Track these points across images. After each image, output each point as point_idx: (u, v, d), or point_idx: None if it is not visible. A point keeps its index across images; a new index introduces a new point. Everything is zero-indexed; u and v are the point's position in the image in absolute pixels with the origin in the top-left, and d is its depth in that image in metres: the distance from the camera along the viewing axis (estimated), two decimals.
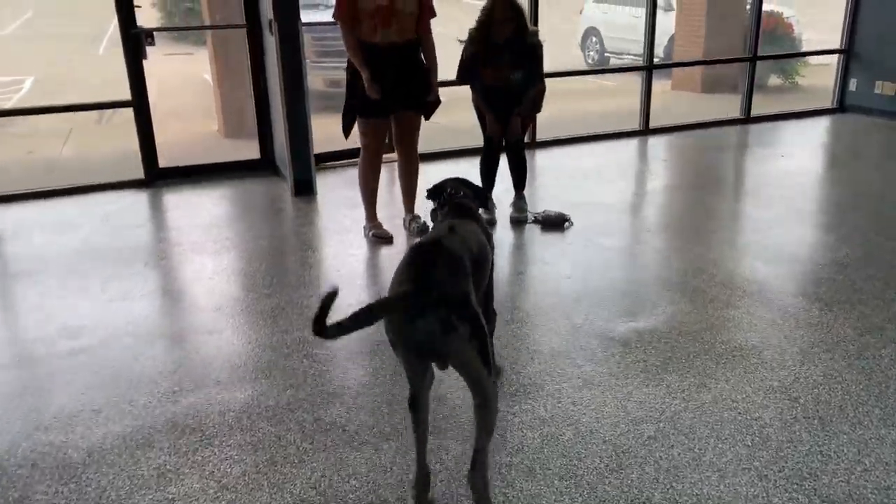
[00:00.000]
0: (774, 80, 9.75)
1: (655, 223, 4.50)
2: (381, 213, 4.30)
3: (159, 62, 5.98)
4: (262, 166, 5.70)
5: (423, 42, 3.98)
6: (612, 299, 3.37)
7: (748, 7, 9.59)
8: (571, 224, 4.36)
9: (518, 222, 4.45)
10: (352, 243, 4.17)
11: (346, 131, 4.09)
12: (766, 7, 9.93)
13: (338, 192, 5.12)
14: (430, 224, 2.61)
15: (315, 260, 3.98)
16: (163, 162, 5.40)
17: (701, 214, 4.58)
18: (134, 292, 3.56)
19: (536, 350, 2.92)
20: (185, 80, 9.78)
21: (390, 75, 3.85)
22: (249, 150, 5.75)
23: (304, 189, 5.09)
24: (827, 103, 7.84)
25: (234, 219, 4.68)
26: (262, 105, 5.57)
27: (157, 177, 5.36)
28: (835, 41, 7.64)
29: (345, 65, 4.00)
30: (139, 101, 5.19)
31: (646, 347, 2.92)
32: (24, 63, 11.27)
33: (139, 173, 5.32)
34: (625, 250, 4.00)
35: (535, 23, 5.74)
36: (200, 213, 4.77)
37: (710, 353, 2.87)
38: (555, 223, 4.35)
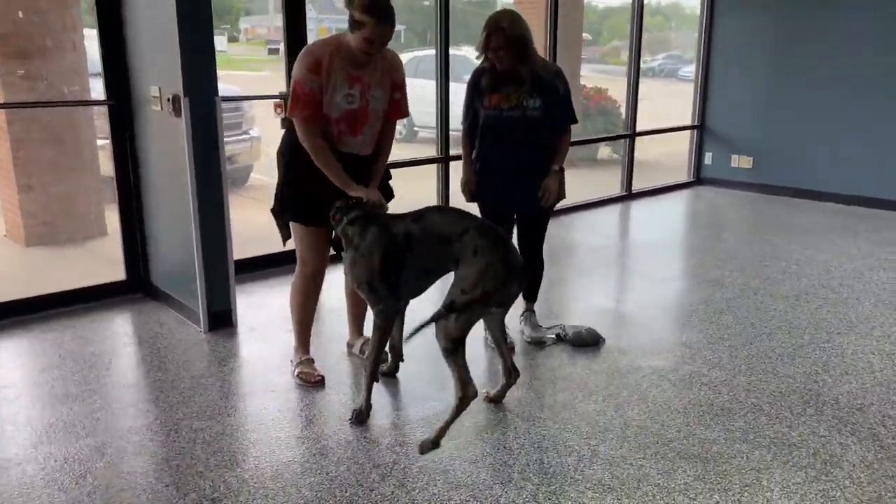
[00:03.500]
0: (604, 153, 9.99)
1: (693, 327, 3.87)
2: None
3: None
4: (130, 290, 4.15)
5: (382, 137, 3.09)
6: None
7: (582, 85, 9.81)
8: (604, 341, 3.57)
9: (538, 344, 3.55)
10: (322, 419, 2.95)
11: (286, 235, 3.12)
12: (590, 84, 10.33)
13: (267, 321, 3.81)
14: None
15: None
16: None
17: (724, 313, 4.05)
18: None
19: None
20: None
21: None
22: (78, 263, 4.15)
23: (221, 322, 3.70)
24: (665, 176, 8.03)
25: (95, 388, 3.14)
26: (128, 208, 4.06)
27: None
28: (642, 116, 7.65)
29: None
30: None
31: None
32: None
33: None
34: (713, 382, 3.27)
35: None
36: (31, 375, 3.18)
37: None
38: (588, 342, 3.53)
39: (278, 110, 4.63)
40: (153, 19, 3.54)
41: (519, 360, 3.38)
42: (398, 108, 3.08)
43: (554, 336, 3.59)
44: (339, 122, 2.88)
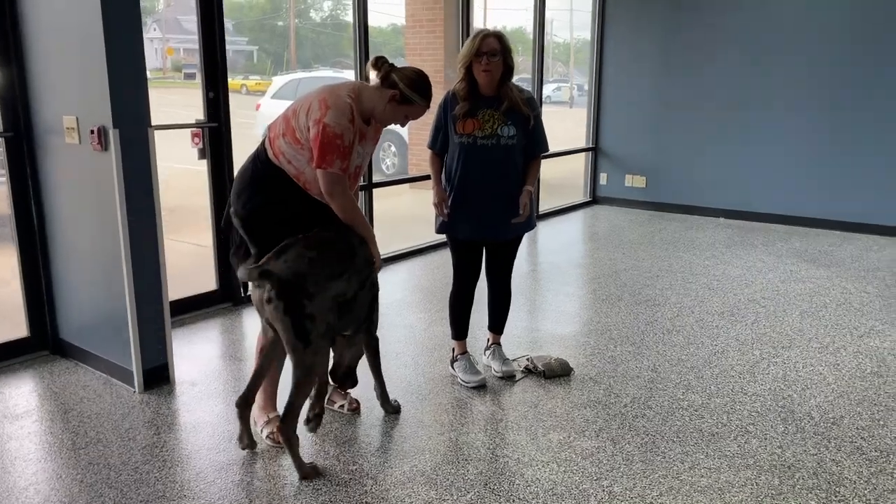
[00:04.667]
0: None
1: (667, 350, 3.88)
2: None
3: None
4: (34, 348, 3.62)
5: None
6: None
7: None
8: (573, 371, 3.51)
9: (509, 378, 3.42)
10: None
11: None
12: None
13: (204, 373, 3.43)
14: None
15: None
16: None
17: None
18: None
19: None
20: None
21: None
22: None
23: (156, 379, 3.29)
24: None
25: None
26: (31, 254, 3.55)
27: None
28: None
29: None
30: None
31: None
32: None
33: None
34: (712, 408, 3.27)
35: None
36: None
37: None
38: (558, 373, 3.45)
39: (195, 140, 4.25)
40: (66, 38, 3.11)
41: (492, 397, 3.24)
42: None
43: (523, 369, 3.48)
44: (352, 176, 2.69)
